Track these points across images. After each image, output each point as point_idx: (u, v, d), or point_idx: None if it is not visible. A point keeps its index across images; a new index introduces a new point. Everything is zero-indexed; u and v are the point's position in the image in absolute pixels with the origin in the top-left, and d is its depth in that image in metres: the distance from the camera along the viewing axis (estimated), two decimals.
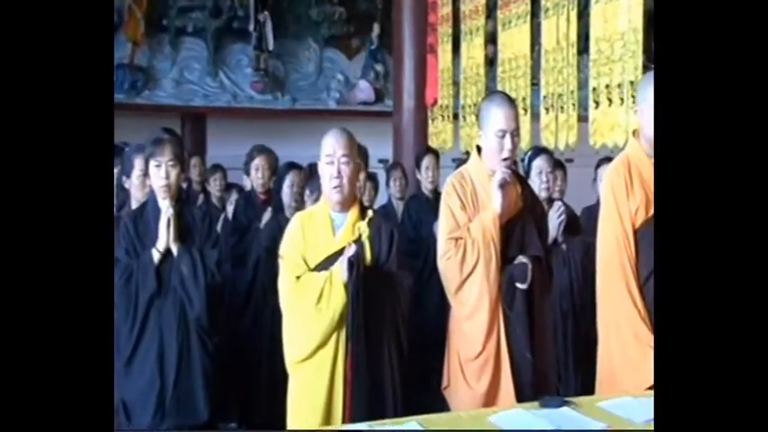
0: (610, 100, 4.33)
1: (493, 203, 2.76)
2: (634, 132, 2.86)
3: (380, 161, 6.87)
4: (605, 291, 2.76)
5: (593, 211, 3.36)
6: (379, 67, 8.41)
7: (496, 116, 2.75)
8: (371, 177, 4.80)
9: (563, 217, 3.61)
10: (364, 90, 8.40)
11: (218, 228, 3.21)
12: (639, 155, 2.79)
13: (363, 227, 2.73)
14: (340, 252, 2.67)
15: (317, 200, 3.22)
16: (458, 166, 3.26)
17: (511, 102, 2.84)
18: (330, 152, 2.70)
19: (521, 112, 5.06)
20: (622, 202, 2.67)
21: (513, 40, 5.32)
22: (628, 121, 4.10)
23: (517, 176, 2.94)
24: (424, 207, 4.85)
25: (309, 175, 3.72)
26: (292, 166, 4.00)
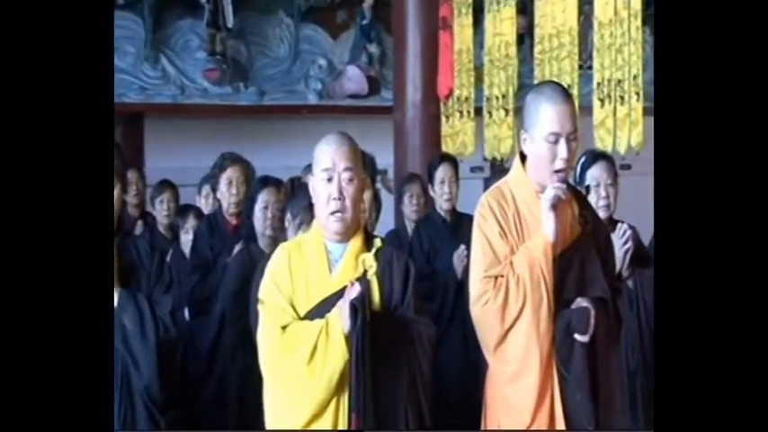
0: None
1: (543, 229, 2.79)
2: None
3: (377, 172, 6.90)
4: None
5: None
6: (373, 49, 8.48)
7: (547, 114, 2.79)
8: (375, 196, 4.84)
9: (629, 244, 3.64)
10: (354, 79, 8.46)
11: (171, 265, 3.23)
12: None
13: (369, 260, 2.76)
14: (339, 293, 2.69)
15: (301, 226, 3.24)
16: (486, 181, 3.29)
17: (567, 95, 2.87)
18: (328, 165, 2.74)
19: None
20: None
21: (555, 10, 5.41)
22: None
23: (574, 193, 2.97)
24: (440, 232, 4.91)
25: (291, 194, 3.74)
26: (267, 181, 4.04)
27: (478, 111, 6.37)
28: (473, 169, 7.51)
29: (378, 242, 2.83)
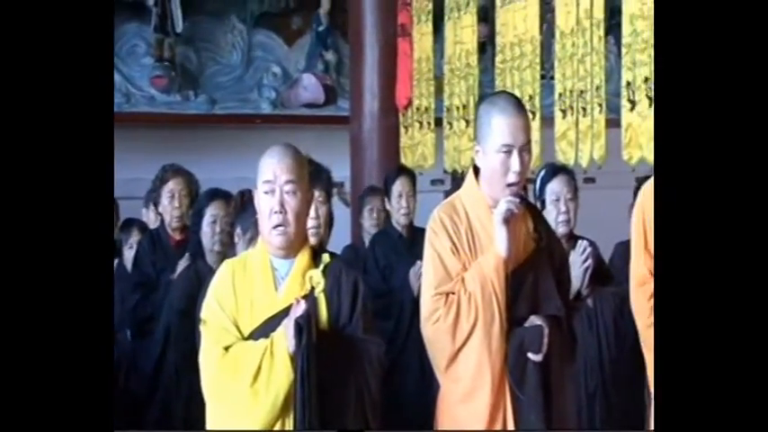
0: (650, 98, 4.45)
1: (496, 245, 2.83)
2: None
3: (333, 185, 6.92)
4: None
5: (628, 251, 3.45)
6: (329, 56, 8.49)
7: (500, 126, 2.84)
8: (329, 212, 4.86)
9: (589, 261, 3.68)
10: (309, 87, 8.46)
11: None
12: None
13: (317, 277, 2.79)
14: (285, 312, 2.72)
15: (252, 241, 3.26)
16: (447, 194, 3.34)
17: (519, 106, 2.93)
18: (270, 178, 2.76)
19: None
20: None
21: (517, 19, 5.46)
22: None
23: (528, 207, 3.02)
24: (396, 248, 4.94)
25: (241, 207, 3.76)
26: (215, 194, 4.04)
27: (438, 122, 6.40)
28: (433, 182, 7.55)
29: (326, 258, 2.85)
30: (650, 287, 2.91)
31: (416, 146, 6.55)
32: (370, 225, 5.26)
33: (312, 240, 3.20)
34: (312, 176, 2.98)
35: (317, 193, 3.26)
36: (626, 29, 4.59)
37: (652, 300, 2.91)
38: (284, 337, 2.66)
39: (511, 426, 2.78)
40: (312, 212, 3.12)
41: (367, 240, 5.24)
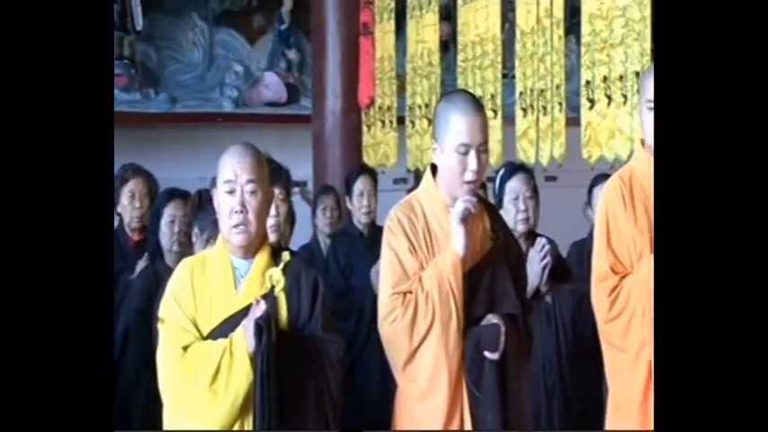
0: (609, 97, 4.52)
1: (452, 244, 2.85)
2: (642, 141, 3.04)
3: (296, 184, 6.91)
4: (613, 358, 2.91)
5: (584, 248, 3.49)
6: (292, 55, 8.49)
7: (457, 125, 2.85)
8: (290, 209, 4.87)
9: (548, 259, 3.72)
10: (272, 86, 8.45)
11: None
12: (647, 171, 2.98)
13: (276, 276, 2.80)
14: (245, 311, 2.72)
15: (209, 241, 3.26)
16: (408, 192, 3.36)
17: (477, 105, 2.94)
18: (230, 177, 2.77)
19: (488, 114, 5.22)
20: (619, 230, 2.90)
21: (478, 18, 5.51)
22: (632, 126, 4.30)
23: (485, 206, 3.05)
24: (357, 247, 4.96)
25: (198, 207, 3.76)
26: (173, 194, 4.04)
27: (401, 120, 6.43)
28: (396, 181, 7.57)
29: (286, 256, 2.86)
30: (611, 283, 2.94)
31: (379, 145, 6.58)
32: (323, 224, 5.27)
33: (272, 238, 3.21)
34: (272, 175, 2.99)
35: (276, 191, 3.27)
36: (585, 28, 4.65)
37: (612, 295, 2.94)
38: (243, 337, 2.67)
39: (468, 424, 2.80)
40: (272, 210, 3.13)
41: (321, 240, 5.26)
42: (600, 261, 3.00)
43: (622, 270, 2.95)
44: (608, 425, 3.07)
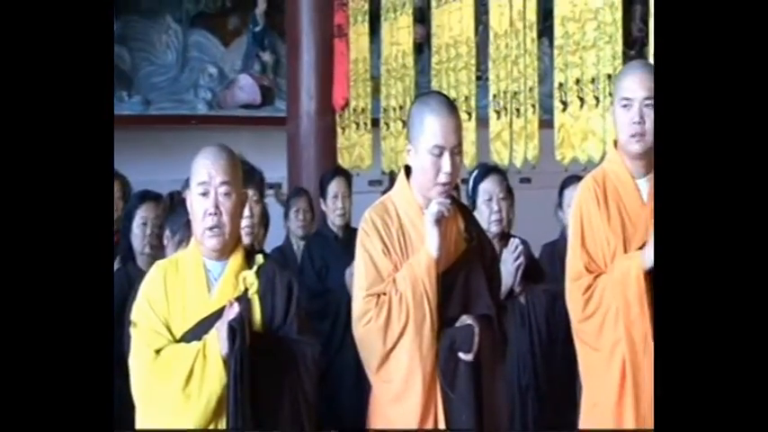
0: (581, 99, 4.55)
1: (426, 246, 2.84)
2: (615, 143, 3.07)
3: (270, 186, 6.90)
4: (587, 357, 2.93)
5: (556, 249, 3.50)
6: (266, 57, 8.47)
7: (431, 127, 2.85)
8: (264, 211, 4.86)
9: (521, 259, 3.73)
10: (246, 88, 8.43)
11: None
12: (620, 172, 3.01)
13: (250, 278, 2.78)
14: (218, 314, 2.71)
15: (181, 243, 3.24)
16: (382, 193, 3.36)
17: (451, 107, 2.94)
18: (204, 179, 2.75)
19: (462, 116, 5.22)
20: (593, 230, 2.92)
21: (452, 20, 5.52)
22: (605, 128, 4.32)
23: (459, 207, 3.05)
24: (332, 248, 4.94)
25: (170, 209, 3.74)
26: (146, 196, 4.02)
27: (375, 122, 6.44)
28: (371, 183, 7.57)
29: (259, 259, 2.84)
30: (585, 282, 2.96)
31: (353, 147, 6.58)
32: (296, 227, 5.26)
33: (246, 240, 3.20)
34: (245, 177, 2.98)
35: (250, 193, 3.26)
36: (558, 31, 4.67)
37: (586, 294, 2.96)
38: (217, 340, 2.65)
39: (442, 425, 2.79)
40: (246, 212, 3.12)
41: (294, 242, 5.25)
42: (574, 260, 3.02)
43: (597, 269, 2.97)
44: (583, 424, 3.08)
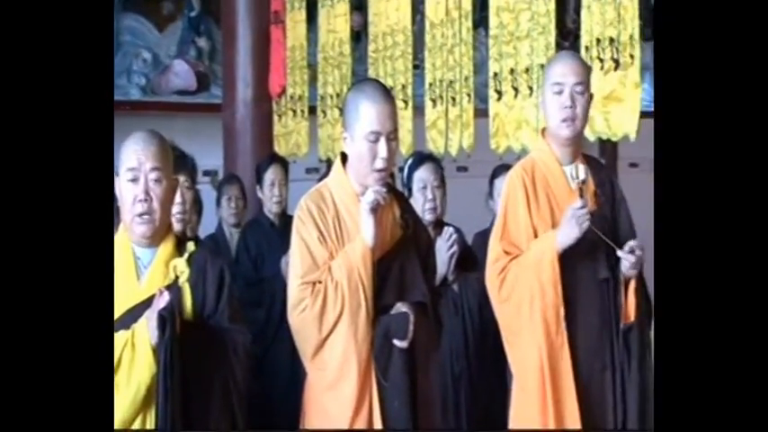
0: (515, 89, 4.57)
1: (362, 233, 2.83)
2: (543, 131, 3.12)
3: (206, 173, 6.82)
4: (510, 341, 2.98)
5: (488, 238, 3.52)
6: (202, 43, 8.36)
7: (367, 113, 2.84)
8: (196, 198, 4.78)
9: (455, 248, 3.74)
10: (181, 74, 8.32)
11: None
12: (548, 160, 3.07)
13: (181, 266, 2.73)
14: (147, 302, 2.65)
15: None
16: (319, 181, 3.33)
17: (386, 93, 2.93)
18: (133, 165, 2.69)
19: (399, 105, 5.22)
20: (517, 215, 3.01)
21: (389, 9, 5.50)
22: (539, 117, 4.35)
23: (395, 195, 3.05)
24: (268, 236, 4.91)
25: None
26: None
27: (312, 110, 6.40)
28: (309, 171, 7.53)
29: (191, 246, 2.80)
30: (501, 264, 3.03)
31: (290, 134, 6.54)
32: (228, 214, 5.21)
33: (178, 227, 3.15)
34: (176, 163, 2.94)
35: (182, 179, 3.21)
36: (493, 21, 4.69)
37: (501, 275, 3.02)
38: (146, 329, 2.59)
39: (377, 413, 2.79)
40: (178, 198, 3.07)
41: (226, 229, 5.20)
42: (495, 243, 3.10)
43: (514, 252, 3.05)
44: (513, 410, 3.11)
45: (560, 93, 3.02)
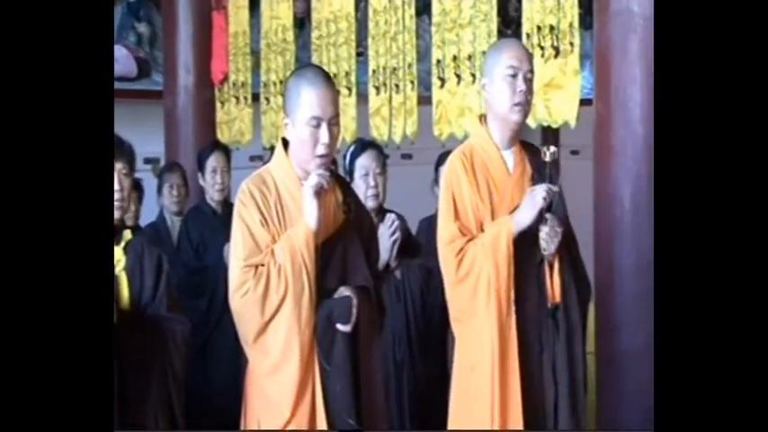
0: (458, 76, 4.59)
1: (305, 217, 2.82)
2: (481, 118, 3.14)
3: (147, 161, 6.75)
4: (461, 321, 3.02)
5: (432, 225, 3.53)
6: (142, 29, 8.25)
7: (308, 98, 2.83)
8: (137, 185, 4.71)
9: (397, 234, 3.73)
10: (121, 60, 8.20)
11: None
12: (486, 145, 3.12)
13: (117, 255, 2.71)
14: None
15: None
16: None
17: (327, 79, 2.93)
18: None
19: (343, 92, 5.21)
20: (464, 198, 3.05)
21: None
22: (481, 104, 4.36)
23: (337, 180, 3.04)
24: (210, 224, 4.86)
25: None
26: None
27: (256, 97, 6.35)
28: (252, 158, 7.48)
29: (127, 234, 2.78)
30: (458, 245, 3.05)
31: (233, 121, 6.47)
32: (169, 202, 5.15)
33: (116, 215, 3.09)
34: (114, 150, 2.88)
35: (119, 166, 3.15)
36: (435, 8, 4.70)
37: (459, 256, 3.04)
38: None
39: (319, 398, 2.78)
40: (116, 185, 3.02)
41: (168, 217, 5.15)
42: (447, 224, 3.11)
43: (469, 233, 3.07)
44: (456, 388, 3.12)
45: (514, 76, 3.06)
